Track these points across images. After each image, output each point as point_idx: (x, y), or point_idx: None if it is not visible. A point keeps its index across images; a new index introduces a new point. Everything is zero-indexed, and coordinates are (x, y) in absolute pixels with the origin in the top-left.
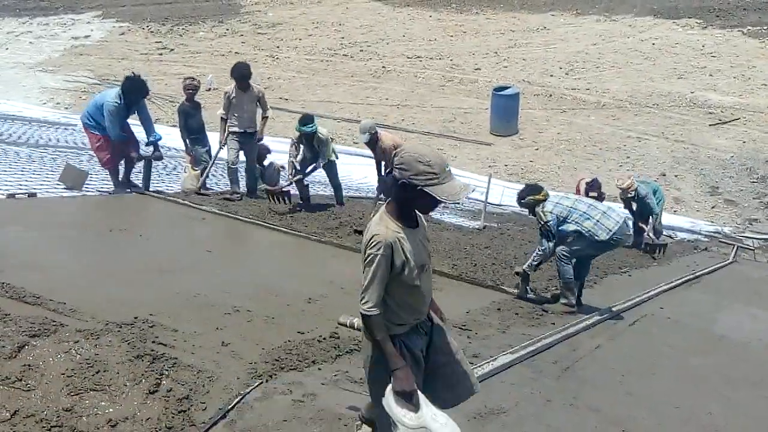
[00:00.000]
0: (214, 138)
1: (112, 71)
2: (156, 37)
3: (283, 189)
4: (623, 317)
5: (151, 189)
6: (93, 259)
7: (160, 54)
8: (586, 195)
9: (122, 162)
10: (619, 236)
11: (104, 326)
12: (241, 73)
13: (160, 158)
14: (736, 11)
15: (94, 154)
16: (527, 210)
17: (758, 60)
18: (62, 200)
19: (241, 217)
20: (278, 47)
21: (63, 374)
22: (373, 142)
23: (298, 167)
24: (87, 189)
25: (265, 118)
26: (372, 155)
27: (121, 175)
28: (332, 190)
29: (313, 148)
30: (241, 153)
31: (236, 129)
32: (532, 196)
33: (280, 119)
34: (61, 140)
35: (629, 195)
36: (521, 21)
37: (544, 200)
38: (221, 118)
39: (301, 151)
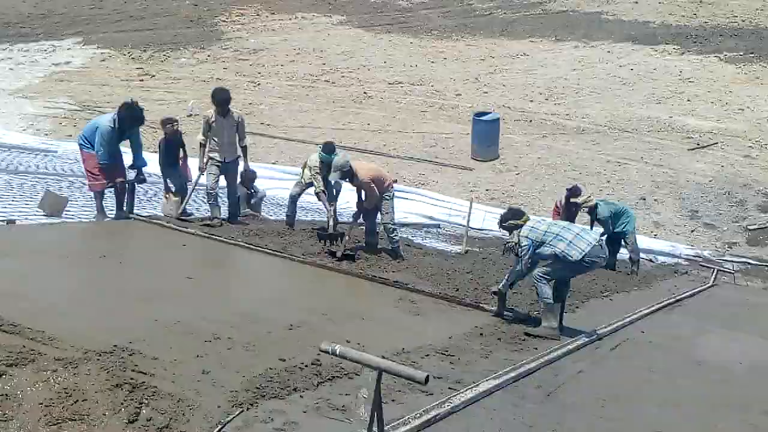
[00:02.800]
0: (194, 164)
1: (93, 97)
2: (137, 63)
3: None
4: (605, 341)
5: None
6: (72, 287)
7: (141, 80)
8: (567, 201)
9: (111, 190)
10: (592, 258)
11: (83, 355)
12: (223, 98)
13: (143, 182)
14: (712, 37)
15: (86, 174)
16: (507, 232)
17: (735, 85)
18: (41, 227)
19: (223, 239)
20: (260, 73)
21: (41, 404)
22: (348, 177)
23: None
24: (67, 215)
25: (244, 147)
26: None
27: (112, 206)
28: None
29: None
30: (222, 178)
31: (217, 156)
32: (513, 220)
33: (262, 145)
34: (40, 167)
35: (586, 209)
36: (501, 47)
37: (523, 225)
38: (200, 143)
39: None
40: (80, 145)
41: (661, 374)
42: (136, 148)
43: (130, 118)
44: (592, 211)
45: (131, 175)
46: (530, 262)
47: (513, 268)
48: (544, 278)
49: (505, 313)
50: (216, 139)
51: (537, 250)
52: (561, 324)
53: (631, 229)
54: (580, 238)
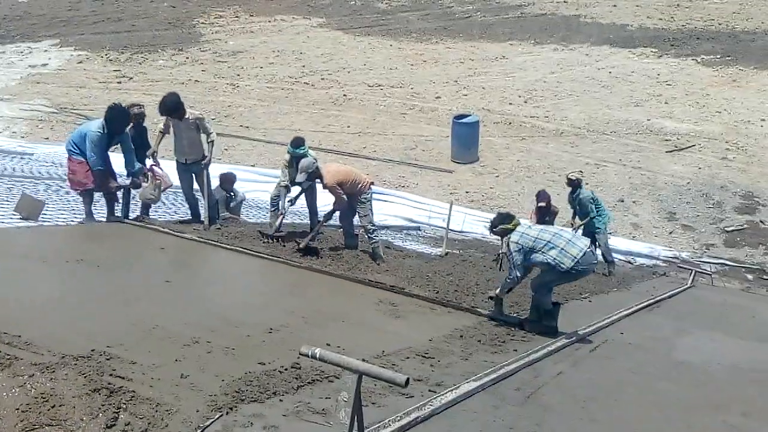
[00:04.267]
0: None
1: (70, 100)
2: (115, 66)
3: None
4: (585, 343)
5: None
6: (49, 291)
7: (119, 82)
8: (537, 207)
9: (101, 194)
10: (584, 265)
11: (60, 359)
12: (169, 108)
13: (138, 186)
14: (689, 40)
15: (71, 179)
16: (498, 237)
17: (712, 88)
18: (18, 231)
19: (205, 241)
20: (239, 75)
21: (17, 409)
22: (316, 179)
23: (289, 190)
24: (43, 219)
25: (210, 143)
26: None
27: (103, 210)
28: (308, 215)
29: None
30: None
31: (181, 159)
32: (503, 225)
33: (241, 147)
34: (17, 169)
35: (572, 180)
36: (480, 50)
37: (514, 230)
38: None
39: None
40: (69, 151)
41: (641, 375)
42: (128, 154)
43: (116, 119)
44: (576, 187)
45: (127, 181)
46: (522, 268)
47: (507, 275)
48: (541, 291)
49: (502, 317)
50: (177, 144)
51: (529, 257)
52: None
53: (603, 228)
54: (572, 244)
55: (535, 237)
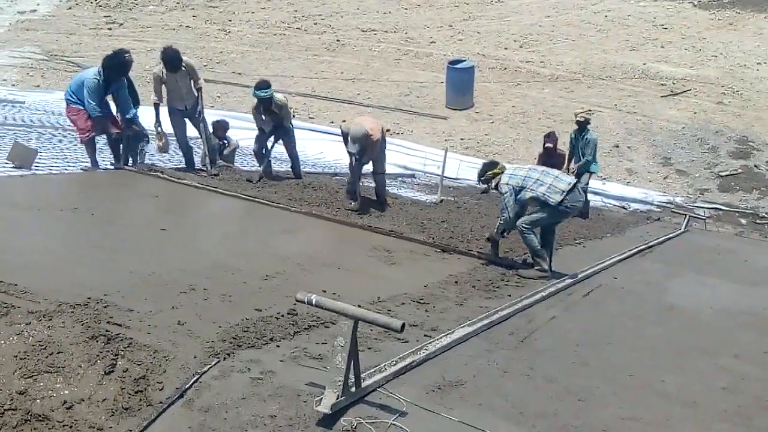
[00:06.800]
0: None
1: (60, 47)
2: (105, 11)
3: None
4: (578, 288)
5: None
6: (44, 240)
7: (110, 29)
8: (543, 146)
9: (104, 141)
10: (572, 202)
11: (57, 307)
12: (174, 64)
13: (136, 133)
14: None
15: (75, 130)
16: (487, 185)
17: (708, 31)
18: (11, 179)
19: (202, 186)
20: (230, 21)
21: (16, 357)
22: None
23: (265, 133)
24: (36, 167)
25: (198, 89)
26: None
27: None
28: (289, 161)
29: (273, 113)
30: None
31: (178, 106)
32: (490, 171)
33: (234, 94)
34: (8, 118)
35: (580, 119)
36: None
37: (501, 173)
38: (155, 104)
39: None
40: (67, 100)
41: (633, 320)
42: (124, 103)
43: (113, 66)
44: (584, 125)
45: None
46: (515, 207)
47: (500, 217)
48: (528, 229)
49: (498, 258)
50: (173, 93)
51: (518, 196)
52: (551, 267)
53: (595, 173)
54: (560, 180)
55: (523, 176)
